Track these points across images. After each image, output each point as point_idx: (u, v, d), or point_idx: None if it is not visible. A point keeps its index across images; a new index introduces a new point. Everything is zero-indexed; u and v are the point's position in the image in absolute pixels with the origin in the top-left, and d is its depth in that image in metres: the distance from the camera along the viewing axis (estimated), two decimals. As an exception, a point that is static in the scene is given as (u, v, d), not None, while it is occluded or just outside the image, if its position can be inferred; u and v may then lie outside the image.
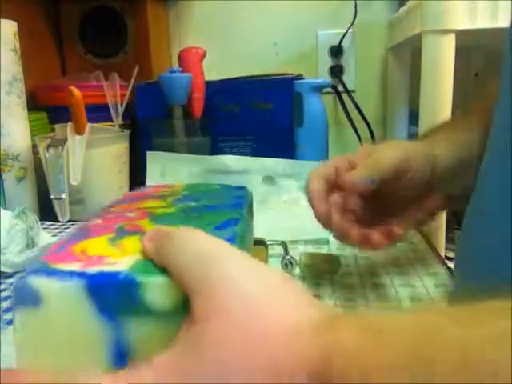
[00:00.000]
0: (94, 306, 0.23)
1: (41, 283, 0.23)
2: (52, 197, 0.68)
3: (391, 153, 0.44)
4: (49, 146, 0.68)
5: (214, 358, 0.21)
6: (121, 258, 0.25)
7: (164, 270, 0.24)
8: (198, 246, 0.24)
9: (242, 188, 0.43)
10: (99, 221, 0.32)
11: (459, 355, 0.17)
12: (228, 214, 0.33)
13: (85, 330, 0.23)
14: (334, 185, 0.44)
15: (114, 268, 0.24)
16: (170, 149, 0.81)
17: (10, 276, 0.52)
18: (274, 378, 0.20)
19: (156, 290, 0.23)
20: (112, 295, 0.23)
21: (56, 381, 0.22)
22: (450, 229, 0.77)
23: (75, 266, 0.24)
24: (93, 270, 0.24)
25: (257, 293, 0.22)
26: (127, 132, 0.79)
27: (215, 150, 0.86)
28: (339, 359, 0.19)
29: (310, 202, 0.44)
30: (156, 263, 0.25)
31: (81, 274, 0.23)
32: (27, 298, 0.23)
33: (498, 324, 0.17)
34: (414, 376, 0.17)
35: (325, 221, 0.43)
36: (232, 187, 0.43)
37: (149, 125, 0.85)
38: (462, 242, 0.42)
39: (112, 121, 0.85)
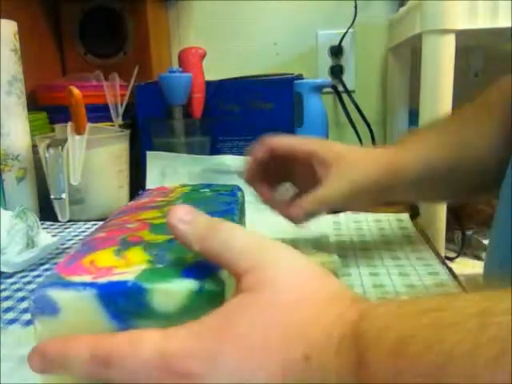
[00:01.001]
0: (106, 311, 0.26)
1: (58, 294, 0.26)
2: (52, 197, 0.68)
3: (338, 191, 0.46)
4: (49, 146, 0.68)
5: (256, 320, 0.23)
6: (127, 268, 0.27)
7: (167, 276, 0.26)
8: (247, 235, 0.27)
9: (233, 189, 0.45)
10: (102, 234, 0.34)
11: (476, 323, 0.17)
12: None
13: (99, 332, 0.26)
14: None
15: (122, 277, 0.26)
16: (170, 149, 0.81)
17: (10, 276, 0.52)
18: (314, 334, 0.22)
19: (161, 295, 0.26)
20: (122, 301, 0.26)
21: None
22: (450, 229, 0.77)
23: (87, 278, 0.26)
24: (103, 280, 0.26)
25: (303, 269, 0.25)
26: (127, 132, 0.79)
27: (215, 150, 0.86)
28: (370, 321, 0.21)
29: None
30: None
31: (93, 285, 0.26)
32: (46, 308, 0.26)
33: None
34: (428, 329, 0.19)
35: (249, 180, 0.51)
36: (224, 189, 0.46)
37: (149, 125, 0.85)
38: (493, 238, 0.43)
39: (112, 121, 0.85)
